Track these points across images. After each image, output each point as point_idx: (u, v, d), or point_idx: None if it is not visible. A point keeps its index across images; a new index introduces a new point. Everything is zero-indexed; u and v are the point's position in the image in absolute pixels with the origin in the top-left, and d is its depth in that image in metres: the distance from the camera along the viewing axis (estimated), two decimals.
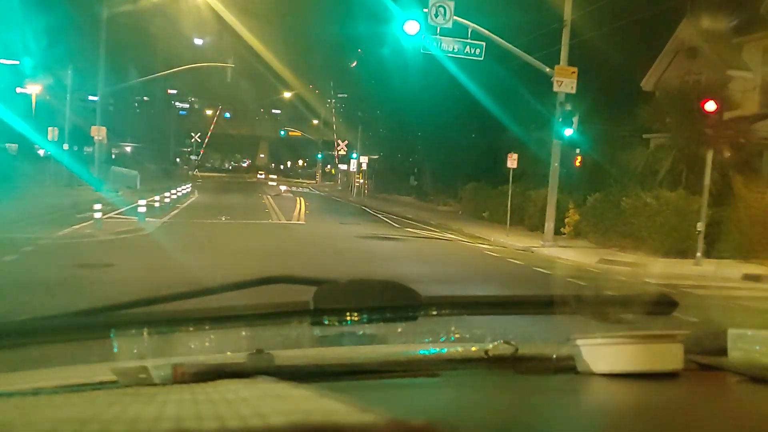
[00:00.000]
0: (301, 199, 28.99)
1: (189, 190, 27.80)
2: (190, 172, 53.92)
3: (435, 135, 31.10)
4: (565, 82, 14.17)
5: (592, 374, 1.11)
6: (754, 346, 1.17)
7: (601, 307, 1.30)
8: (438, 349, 1.46)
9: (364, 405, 0.77)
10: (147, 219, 14.54)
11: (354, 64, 45.42)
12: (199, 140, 57.72)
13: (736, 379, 1.11)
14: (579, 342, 1.15)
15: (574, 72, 14.30)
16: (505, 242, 15.18)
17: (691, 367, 1.13)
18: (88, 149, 29.92)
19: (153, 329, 1.11)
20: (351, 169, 37.87)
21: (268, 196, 30.03)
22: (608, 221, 14.97)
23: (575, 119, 14.42)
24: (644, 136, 18.38)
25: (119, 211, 15.58)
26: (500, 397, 1.09)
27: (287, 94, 53.43)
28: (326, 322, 1.11)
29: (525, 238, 16.01)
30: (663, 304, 1.21)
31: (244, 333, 1.37)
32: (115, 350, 1.19)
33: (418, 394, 1.11)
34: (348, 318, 1.11)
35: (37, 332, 1.06)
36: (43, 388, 1.08)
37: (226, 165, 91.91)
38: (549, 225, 14.63)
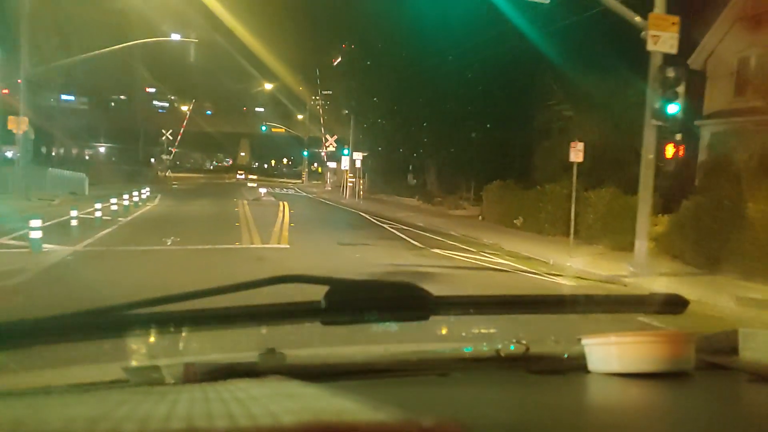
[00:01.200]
0: (285, 204, 25.73)
1: (148, 195, 24.82)
2: (161, 173, 48.72)
3: (442, 126, 26.21)
4: (663, 37, 10.83)
5: (603, 374, 1.18)
6: (765, 345, 1.22)
7: (613, 306, 1.37)
8: (449, 349, 1.54)
9: (375, 404, 0.81)
10: (50, 246, 10.57)
11: (337, 61, 44.27)
12: (171, 138, 51.93)
13: (747, 379, 1.16)
14: (590, 342, 1.22)
15: (675, 23, 9.60)
16: (575, 266, 11.61)
17: (702, 367, 1.20)
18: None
19: (164, 329, 1.13)
20: (342, 167, 33.01)
21: (245, 202, 26.99)
22: (717, 235, 11.18)
23: (680, 90, 9.63)
24: (696, 122, 16.01)
25: (16, 234, 11.58)
26: (511, 396, 1.15)
27: (268, 86, 48.55)
28: (337, 322, 1.15)
29: (597, 259, 12.56)
30: (674, 304, 1.25)
31: (255, 332, 1.37)
32: (127, 350, 1.28)
33: (430, 393, 1.17)
34: (359, 317, 1.14)
35: (49, 332, 1.09)
36: (55, 387, 1.15)
37: (208, 164, 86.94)
38: (641, 245, 11.19)
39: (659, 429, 0.97)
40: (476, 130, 26.63)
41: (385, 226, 18.83)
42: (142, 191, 22.79)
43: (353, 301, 1.09)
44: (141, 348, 1.28)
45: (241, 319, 1.14)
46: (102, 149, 61.31)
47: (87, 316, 1.09)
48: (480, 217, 21.64)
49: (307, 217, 21.70)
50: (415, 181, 37.41)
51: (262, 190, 32.02)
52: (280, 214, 20.61)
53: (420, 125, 29.99)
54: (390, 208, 26.34)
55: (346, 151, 35.02)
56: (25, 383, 1.19)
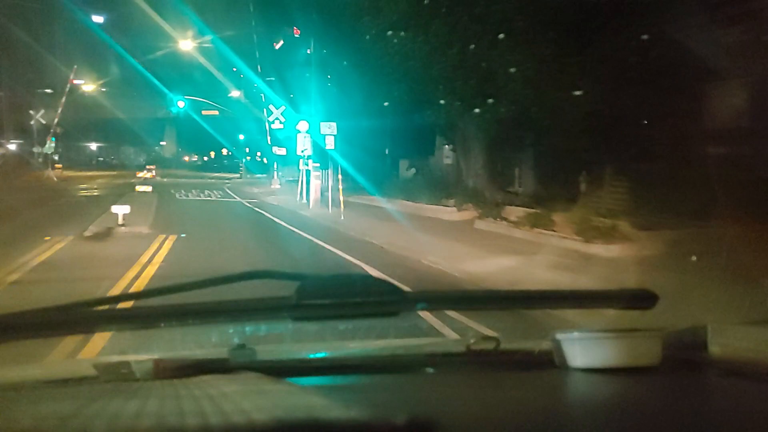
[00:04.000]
0: (168, 241, 10.91)
1: None
2: (48, 173, 32.59)
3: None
4: None
5: (572, 369, 1.19)
6: (733, 340, 1.24)
7: (581, 302, 1.37)
8: (420, 344, 1.59)
9: (347, 401, 0.82)
10: None
11: (279, 45, 31.52)
12: (43, 121, 34.80)
13: (716, 374, 1.18)
14: (559, 337, 1.23)
15: None
16: None
17: (670, 362, 1.20)
18: None
19: (134, 324, 1.13)
20: (302, 151, 18.04)
21: (64, 242, 10.74)
22: None
23: None
24: None
25: None
26: (482, 391, 1.16)
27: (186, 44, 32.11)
28: (308, 317, 1.13)
29: None
30: (643, 299, 1.24)
31: (225, 328, 1.40)
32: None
33: (401, 389, 1.18)
34: (330, 313, 1.14)
35: (17, 327, 1.07)
36: (24, 384, 1.13)
37: (141, 159, 68.45)
38: None
39: (628, 424, 0.97)
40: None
41: None
42: None
43: (324, 297, 1.08)
44: (111, 343, 1.23)
45: (212, 314, 1.14)
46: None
47: (56, 312, 1.08)
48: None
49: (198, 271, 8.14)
50: (414, 172, 23.06)
51: (121, 212, 12.56)
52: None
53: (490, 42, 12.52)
54: (422, 232, 11.96)
55: (305, 127, 19.57)
56: None
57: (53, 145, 37.91)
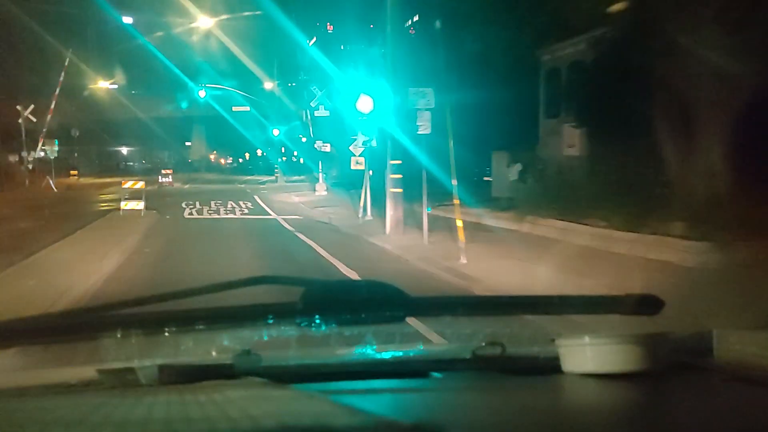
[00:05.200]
0: None
1: None
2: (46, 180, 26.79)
3: None
4: None
5: (578, 374, 1.18)
6: (739, 345, 1.23)
7: (586, 307, 1.36)
8: (425, 350, 1.54)
9: (352, 406, 0.81)
10: None
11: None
12: (33, 119, 28.26)
13: (722, 379, 1.17)
14: (565, 342, 1.22)
15: None
16: None
17: (676, 367, 1.19)
18: None
19: (139, 330, 1.14)
20: (363, 142, 10.78)
21: None
22: None
23: None
24: None
25: None
26: (487, 397, 1.15)
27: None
28: (314, 323, 1.15)
29: None
30: (649, 305, 1.25)
31: (231, 333, 1.39)
32: (101, 352, 1.23)
33: (407, 395, 1.17)
34: (336, 318, 1.15)
35: (22, 333, 1.08)
36: (29, 390, 1.13)
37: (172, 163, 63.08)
38: None
39: (633, 430, 0.96)
40: None
41: None
42: None
43: (329, 302, 1.08)
44: (116, 350, 1.22)
45: (217, 320, 1.15)
46: None
47: (59, 318, 1.11)
48: None
49: None
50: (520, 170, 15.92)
51: None
52: None
53: None
54: None
55: (367, 105, 12.23)
56: None
57: (56, 149, 31.76)
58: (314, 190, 24.71)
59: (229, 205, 19.42)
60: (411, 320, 1.21)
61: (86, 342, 1.16)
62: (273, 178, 38.86)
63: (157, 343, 1.32)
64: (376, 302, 1.09)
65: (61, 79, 28.91)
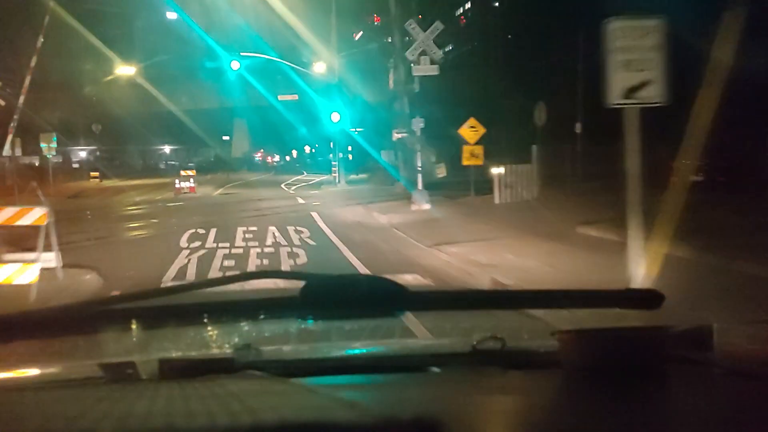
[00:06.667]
0: None
1: None
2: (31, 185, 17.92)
3: None
4: None
5: (578, 368, 1.18)
6: (739, 340, 1.23)
7: (588, 301, 1.37)
8: (426, 344, 1.54)
9: (352, 400, 0.82)
10: None
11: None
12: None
13: (721, 373, 1.17)
14: (565, 336, 1.22)
15: None
16: None
17: (676, 362, 1.20)
18: None
19: (139, 324, 1.12)
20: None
21: None
22: None
23: None
24: None
25: None
26: (488, 391, 1.15)
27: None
28: (314, 317, 1.13)
29: None
30: (650, 299, 1.24)
31: (231, 327, 1.37)
32: (101, 345, 1.22)
33: (407, 389, 1.17)
34: (336, 313, 1.15)
35: (23, 327, 1.06)
36: (29, 384, 1.14)
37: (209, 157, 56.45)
38: None
39: (633, 423, 0.96)
40: None
41: None
42: None
43: (329, 296, 1.08)
44: (116, 344, 1.22)
45: (218, 314, 1.15)
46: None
47: (60, 312, 1.08)
48: None
49: None
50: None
51: None
52: None
53: None
54: None
55: None
56: None
57: (54, 145, 23.57)
58: (411, 203, 14.52)
59: (269, 238, 10.01)
60: (411, 315, 1.23)
61: (87, 336, 1.16)
62: (330, 177, 29.87)
63: (158, 338, 1.32)
64: (376, 297, 1.09)
65: (39, 45, 20.32)
